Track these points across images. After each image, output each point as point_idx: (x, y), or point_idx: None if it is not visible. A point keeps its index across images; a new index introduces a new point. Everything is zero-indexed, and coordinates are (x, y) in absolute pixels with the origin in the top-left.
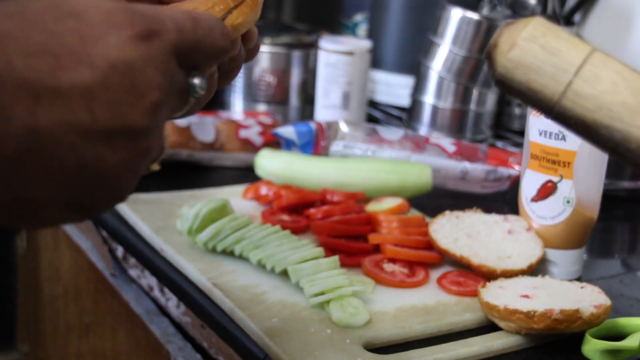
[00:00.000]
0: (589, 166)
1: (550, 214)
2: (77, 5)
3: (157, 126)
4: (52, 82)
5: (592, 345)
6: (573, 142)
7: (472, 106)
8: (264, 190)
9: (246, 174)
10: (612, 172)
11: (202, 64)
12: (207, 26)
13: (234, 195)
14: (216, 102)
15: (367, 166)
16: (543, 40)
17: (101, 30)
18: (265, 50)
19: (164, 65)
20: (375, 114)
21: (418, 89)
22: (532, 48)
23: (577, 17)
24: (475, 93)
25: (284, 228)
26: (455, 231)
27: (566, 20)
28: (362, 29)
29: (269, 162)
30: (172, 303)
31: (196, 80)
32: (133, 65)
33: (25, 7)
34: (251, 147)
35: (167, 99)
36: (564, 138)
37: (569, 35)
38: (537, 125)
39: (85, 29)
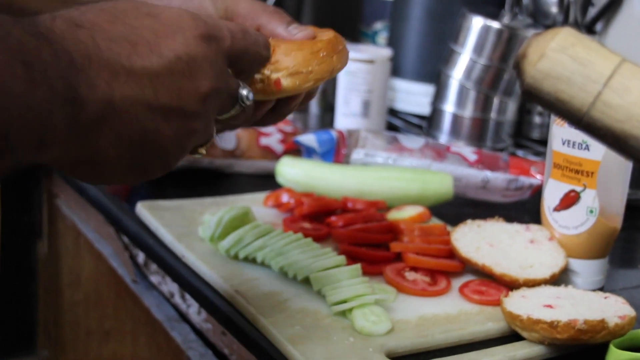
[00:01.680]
0: (613, 176)
1: (573, 223)
2: (155, 8)
3: (205, 114)
4: (128, 64)
5: (616, 356)
6: (597, 152)
7: (493, 115)
8: (284, 197)
9: (267, 182)
10: (636, 181)
11: (248, 70)
12: (254, 37)
13: (255, 203)
14: None
15: (388, 174)
16: (572, 50)
17: (171, 29)
18: None
19: (217, 64)
20: (395, 122)
21: (438, 98)
22: (561, 59)
23: (599, 26)
24: (495, 102)
25: (305, 236)
26: (477, 240)
27: (588, 29)
28: (382, 37)
29: (289, 170)
30: (193, 309)
31: (244, 90)
32: (194, 59)
33: (113, 5)
34: (272, 155)
35: (217, 93)
36: (587, 148)
37: (598, 46)
38: (561, 135)
39: (158, 27)
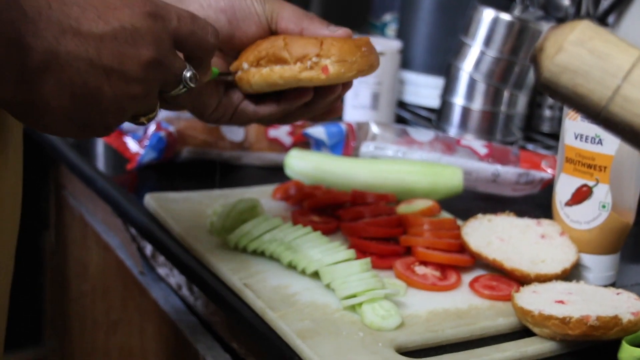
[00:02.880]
0: (626, 171)
1: (584, 218)
2: None
3: (146, 82)
4: (75, 25)
5: (629, 353)
6: (610, 146)
7: (503, 108)
8: (293, 190)
9: (275, 174)
10: None
11: (196, 54)
12: (202, 23)
13: (263, 195)
14: None
15: (397, 167)
16: (591, 44)
17: (121, 3)
18: None
19: (161, 40)
20: (405, 115)
21: (448, 90)
22: (580, 52)
23: (611, 19)
24: (506, 95)
25: (314, 229)
26: (487, 234)
27: (600, 21)
28: (391, 29)
29: (298, 162)
30: (200, 302)
31: (188, 72)
32: (138, 30)
33: None
34: (280, 147)
35: (159, 65)
36: (600, 142)
37: (617, 39)
38: (573, 129)
39: (109, 0)
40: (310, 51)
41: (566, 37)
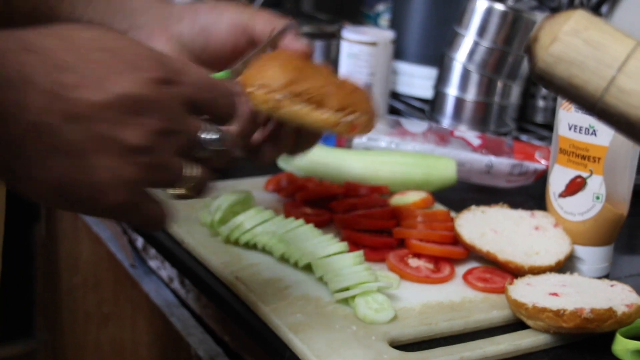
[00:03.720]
0: (620, 162)
1: (578, 210)
2: (119, 42)
3: (155, 151)
4: (70, 94)
5: (622, 345)
6: (604, 137)
7: (497, 98)
8: (285, 182)
9: (268, 166)
10: None
11: (214, 119)
12: (222, 90)
13: (255, 187)
14: None
15: (391, 159)
16: (586, 34)
17: (125, 67)
18: None
19: (168, 106)
20: (398, 106)
21: (441, 81)
22: (575, 42)
23: (604, 8)
24: (499, 85)
25: (307, 221)
26: (481, 226)
27: (593, 11)
28: (384, 19)
29: None
30: (192, 295)
31: (206, 135)
32: (140, 99)
33: (78, 33)
34: None
35: (168, 133)
36: (594, 133)
37: (612, 29)
38: (567, 120)
39: (113, 63)
40: (348, 104)
41: (561, 27)
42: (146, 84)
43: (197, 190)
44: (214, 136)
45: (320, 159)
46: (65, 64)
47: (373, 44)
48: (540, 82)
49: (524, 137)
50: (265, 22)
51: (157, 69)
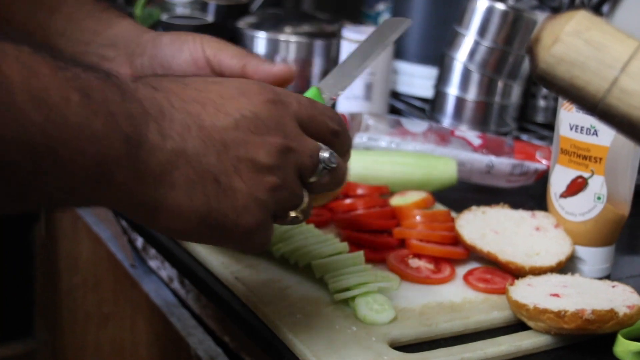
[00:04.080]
0: (621, 162)
1: (579, 210)
2: (221, 79)
3: (282, 169)
4: (198, 121)
5: (624, 347)
6: (605, 138)
7: (497, 98)
8: None
9: None
10: None
11: (320, 139)
12: (321, 108)
13: None
14: None
15: (391, 159)
16: (587, 34)
17: (237, 93)
18: (286, 40)
19: (286, 124)
20: (398, 105)
21: (442, 81)
22: (576, 43)
23: (605, 8)
24: (500, 85)
25: (307, 222)
26: (481, 227)
27: (594, 11)
28: (385, 19)
29: None
30: (192, 295)
31: (325, 153)
32: (260, 118)
33: (183, 77)
34: None
35: (290, 150)
36: (595, 133)
37: (614, 30)
38: (568, 120)
39: (224, 91)
40: None
41: (562, 27)
42: (261, 104)
43: (306, 213)
44: (326, 154)
45: None
46: (187, 98)
47: None
48: (541, 83)
49: (524, 137)
50: (232, 58)
51: (265, 91)
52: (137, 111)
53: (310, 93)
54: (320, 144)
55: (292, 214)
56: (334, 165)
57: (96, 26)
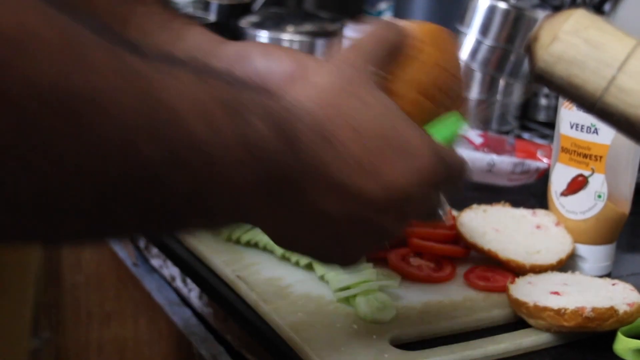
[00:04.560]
0: (622, 160)
1: (580, 208)
2: (393, 123)
3: (402, 218)
4: (348, 181)
5: (624, 344)
6: (606, 136)
7: (499, 97)
8: None
9: None
10: None
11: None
12: (464, 170)
13: None
14: None
15: None
16: (586, 33)
17: (401, 157)
18: (288, 39)
19: (429, 198)
20: None
21: None
22: (575, 42)
23: (607, 6)
24: (501, 83)
25: None
26: (482, 225)
27: (596, 9)
28: (387, 18)
29: None
30: (194, 294)
31: (440, 211)
32: (408, 193)
33: (361, 113)
34: None
35: (417, 214)
36: (596, 131)
37: (613, 28)
38: (569, 118)
39: (389, 153)
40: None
41: (561, 26)
42: (416, 177)
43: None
44: (441, 212)
45: None
46: (350, 155)
47: None
48: (540, 82)
49: (526, 135)
50: None
51: (427, 160)
52: (300, 166)
53: (452, 119)
54: (441, 199)
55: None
56: (441, 218)
57: (169, 38)
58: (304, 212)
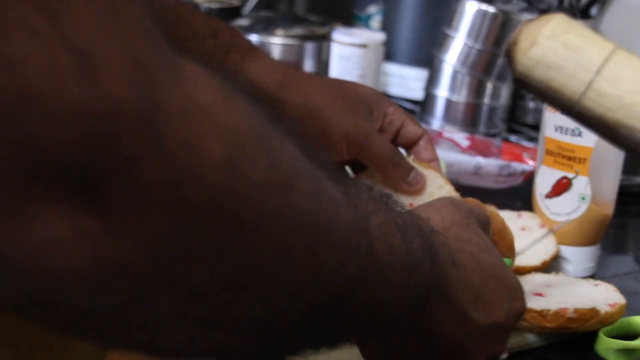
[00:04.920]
0: (605, 162)
1: (564, 210)
2: (502, 270)
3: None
4: (464, 310)
5: (605, 344)
6: (589, 139)
7: (486, 100)
8: None
9: None
10: (628, 167)
11: None
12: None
13: None
14: None
15: None
16: (564, 37)
17: (505, 297)
18: (278, 42)
19: (508, 334)
20: None
21: (432, 83)
22: (553, 46)
23: (594, 11)
24: (489, 87)
25: None
26: None
27: (583, 13)
28: (376, 21)
29: None
30: None
31: (504, 355)
32: (506, 330)
33: (482, 254)
34: None
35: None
36: (580, 134)
37: (591, 33)
38: (553, 121)
39: (497, 292)
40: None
41: (540, 30)
42: (514, 318)
43: None
44: (504, 356)
45: None
46: (470, 284)
47: (364, 45)
48: (519, 86)
49: (513, 138)
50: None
51: (524, 305)
52: (431, 284)
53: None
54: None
55: None
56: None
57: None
58: (421, 333)
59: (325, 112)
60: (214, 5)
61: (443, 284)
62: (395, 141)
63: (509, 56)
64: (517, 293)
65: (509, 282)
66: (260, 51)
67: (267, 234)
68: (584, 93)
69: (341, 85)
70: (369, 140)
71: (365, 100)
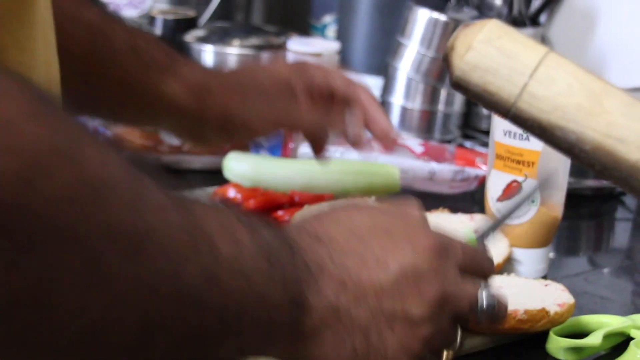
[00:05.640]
0: (553, 166)
1: (515, 213)
2: (391, 222)
3: (435, 319)
4: (355, 277)
5: (555, 343)
6: (537, 142)
7: (441, 107)
8: (232, 193)
9: (214, 177)
10: (577, 171)
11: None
12: (481, 252)
13: (203, 198)
14: None
15: (335, 168)
16: (499, 42)
17: (402, 244)
18: (234, 52)
19: (446, 273)
20: None
21: (386, 90)
22: (488, 50)
23: (542, 18)
24: (443, 93)
25: None
26: None
27: (532, 20)
28: (331, 31)
29: (237, 165)
30: None
31: (483, 292)
32: (419, 270)
33: (353, 220)
34: (219, 150)
35: (448, 298)
36: (528, 138)
37: (524, 38)
38: (502, 126)
39: (389, 244)
40: None
41: (475, 36)
42: (424, 253)
43: (457, 350)
44: (483, 294)
45: (266, 169)
46: (349, 251)
47: (318, 54)
48: (458, 90)
49: (468, 144)
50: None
51: (431, 239)
52: (303, 274)
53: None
54: (480, 284)
55: (445, 353)
56: (492, 307)
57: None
58: (325, 319)
59: (243, 116)
60: (169, 17)
61: (316, 264)
62: (334, 103)
63: (447, 61)
64: (417, 231)
65: (404, 231)
66: (179, 62)
67: (69, 246)
68: (519, 96)
69: (256, 77)
70: (292, 125)
71: (283, 82)
